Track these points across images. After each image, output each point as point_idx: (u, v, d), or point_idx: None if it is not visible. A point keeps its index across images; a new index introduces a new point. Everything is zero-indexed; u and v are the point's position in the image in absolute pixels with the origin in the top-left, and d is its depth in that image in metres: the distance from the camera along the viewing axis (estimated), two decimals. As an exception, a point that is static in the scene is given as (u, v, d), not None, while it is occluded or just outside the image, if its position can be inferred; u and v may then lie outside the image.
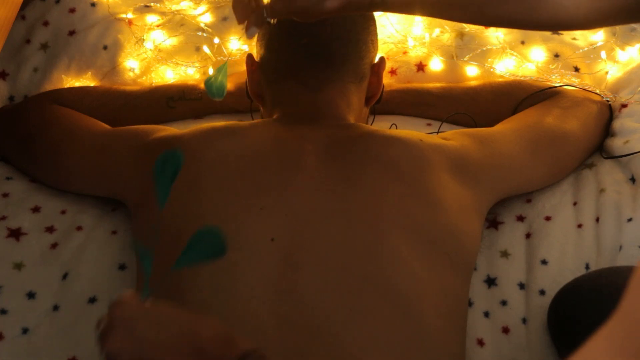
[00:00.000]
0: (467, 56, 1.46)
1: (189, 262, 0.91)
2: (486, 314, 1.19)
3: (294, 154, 1.12)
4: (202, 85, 1.45)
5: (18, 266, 1.21)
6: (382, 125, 1.38)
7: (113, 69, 1.45)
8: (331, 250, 1.02)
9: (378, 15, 1.40)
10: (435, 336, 0.99)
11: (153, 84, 1.46)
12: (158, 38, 1.48)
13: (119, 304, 0.80)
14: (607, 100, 1.40)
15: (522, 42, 1.46)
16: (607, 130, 1.38)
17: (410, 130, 1.26)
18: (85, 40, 1.46)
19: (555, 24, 0.99)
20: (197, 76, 1.48)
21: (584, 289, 1.10)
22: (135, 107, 1.41)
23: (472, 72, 1.46)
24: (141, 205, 1.15)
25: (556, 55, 1.45)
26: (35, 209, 1.28)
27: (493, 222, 1.28)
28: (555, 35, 1.46)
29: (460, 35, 1.47)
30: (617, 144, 1.33)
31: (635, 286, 0.54)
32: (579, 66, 1.44)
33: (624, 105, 1.37)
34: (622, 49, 1.44)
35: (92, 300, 1.18)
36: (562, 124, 1.31)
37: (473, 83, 1.45)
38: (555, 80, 1.42)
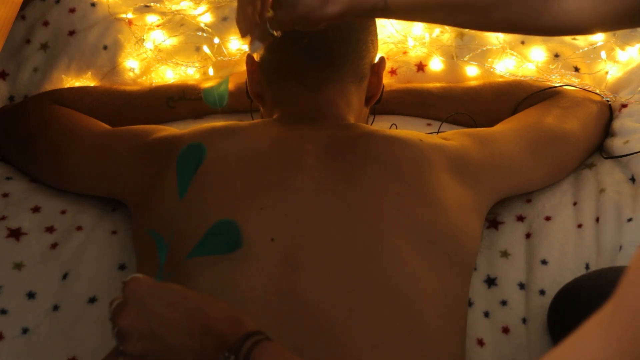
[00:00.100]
0: (467, 56, 1.46)
1: (205, 253, 0.92)
2: (486, 314, 1.19)
3: (294, 154, 1.12)
4: (202, 85, 1.45)
5: (18, 266, 1.21)
6: (382, 125, 1.38)
7: (113, 69, 1.46)
8: (331, 250, 1.02)
9: (378, 15, 1.40)
10: (435, 336, 0.99)
11: (153, 84, 1.46)
12: (158, 38, 1.48)
13: (133, 282, 0.83)
14: (607, 100, 1.40)
15: (522, 42, 1.46)
16: (607, 130, 1.38)
17: (410, 130, 1.26)
18: (85, 40, 1.46)
19: (559, 29, 0.99)
20: (197, 76, 1.48)
21: (584, 289, 1.10)
22: (135, 107, 1.42)
23: (472, 72, 1.47)
24: (141, 205, 1.15)
25: (556, 55, 1.45)
26: (35, 209, 1.28)
27: (493, 222, 1.28)
28: (555, 35, 1.47)
29: (460, 35, 1.47)
30: (617, 144, 1.33)
31: (631, 275, 0.54)
32: (579, 66, 1.44)
33: (624, 105, 1.37)
34: (622, 49, 1.44)
35: (92, 300, 1.18)
36: (562, 124, 1.31)
37: (473, 83, 1.45)
38: (555, 80, 1.42)
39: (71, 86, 1.44)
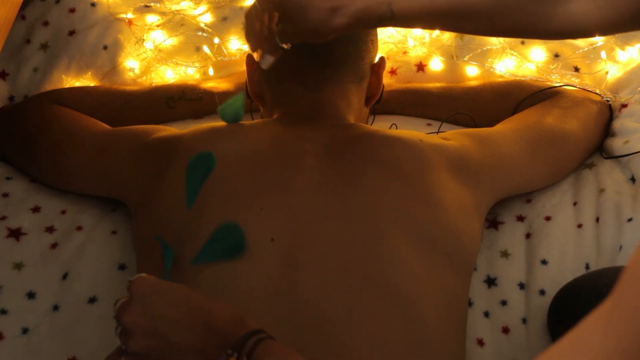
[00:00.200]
0: (467, 56, 1.46)
1: (210, 258, 0.94)
2: (486, 314, 1.19)
3: (294, 154, 1.12)
4: (202, 85, 1.45)
5: (18, 266, 1.21)
6: (382, 125, 1.38)
7: (113, 69, 1.46)
8: (331, 250, 1.02)
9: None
10: (435, 336, 0.99)
11: (153, 84, 1.46)
12: (158, 38, 1.48)
13: (138, 281, 0.84)
14: (607, 100, 1.40)
15: (522, 42, 1.47)
16: (607, 130, 1.38)
17: (410, 130, 1.26)
18: (85, 40, 1.46)
19: (565, 33, 1.00)
20: (197, 76, 1.49)
21: (584, 289, 1.10)
22: (135, 107, 1.42)
23: (472, 72, 1.47)
24: (141, 205, 1.15)
25: (556, 55, 1.45)
26: (35, 209, 1.28)
27: (493, 222, 1.28)
28: (555, 35, 1.46)
29: (461, 35, 1.47)
30: (617, 144, 1.33)
31: (630, 272, 0.54)
32: (579, 66, 1.44)
33: (624, 105, 1.37)
34: (622, 49, 1.44)
35: (92, 300, 1.18)
36: (562, 124, 1.31)
37: (473, 83, 1.45)
38: (555, 80, 1.42)
39: (71, 86, 1.44)
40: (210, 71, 1.48)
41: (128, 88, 1.44)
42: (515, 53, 1.45)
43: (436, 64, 1.48)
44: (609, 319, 0.54)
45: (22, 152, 1.35)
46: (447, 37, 1.48)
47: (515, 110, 1.37)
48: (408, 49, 1.49)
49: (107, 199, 1.29)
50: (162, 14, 1.51)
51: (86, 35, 1.46)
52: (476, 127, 1.38)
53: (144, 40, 1.47)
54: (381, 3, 0.99)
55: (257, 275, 0.99)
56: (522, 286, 1.21)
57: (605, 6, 0.93)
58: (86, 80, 1.45)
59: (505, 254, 1.24)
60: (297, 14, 1.03)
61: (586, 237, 1.23)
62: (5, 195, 1.30)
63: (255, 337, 0.81)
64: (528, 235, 1.26)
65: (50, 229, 1.26)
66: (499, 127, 1.30)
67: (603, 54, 1.44)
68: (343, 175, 1.09)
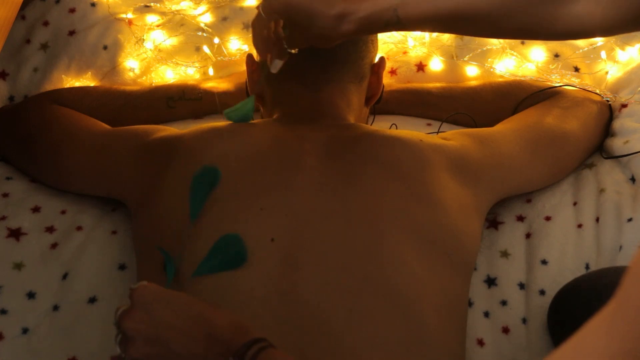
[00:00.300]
0: (467, 56, 1.46)
1: (211, 270, 0.95)
2: (486, 314, 1.19)
3: (294, 154, 1.12)
4: (202, 85, 1.45)
5: (18, 266, 1.21)
6: (382, 125, 1.38)
7: (113, 69, 1.46)
8: (331, 250, 1.02)
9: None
10: (435, 336, 0.99)
11: (153, 84, 1.46)
12: (158, 38, 1.48)
13: (140, 288, 0.84)
14: (607, 100, 1.40)
15: (522, 42, 1.47)
16: (607, 130, 1.38)
17: (410, 130, 1.26)
18: (85, 40, 1.46)
19: (570, 34, 1.00)
20: (197, 76, 1.48)
21: (583, 289, 1.10)
22: (135, 107, 1.42)
23: (472, 72, 1.47)
24: (141, 205, 1.15)
25: (556, 55, 1.45)
26: (35, 209, 1.28)
27: (493, 222, 1.28)
28: (555, 35, 1.46)
29: (460, 35, 1.47)
30: (617, 144, 1.33)
31: (633, 274, 0.54)
32: (579, 66, 1.44)
33: (624, 105, 1.37)
34: (622, 49, 1.44)
35: (92, 300, 1.18)
36: (562, 124, 1.31)
37: (473, 83, 1.45)
38: (555, 80, 1.42)
39: (71, 86, 1.44)
40: (210, 71, 1.48)
41: (128, 88, 1.44)
42: (515, 53, 1.45)
43: (436, 64, 1.48)
44: (613, 320, 0.54)
45: (22, 152, 1.35)
46: (447, 37, 1.48)
47: (515, 110, 1.37)
48: (408, 49, 1.49)
49: (107, 199, 1.29)
50: (162, 14, 1.51)
51: (86, 35, 1.46)
52: (476, 127, 1.38)
53: (144, 40, 1.47)
54: (387, 9, 1.00)
55: (257, 276, 0.99)
56: (522, 286, 1.21)
57: (610, 7, 0.93)
58: (86, 80, 1.45)
59: (505, 254, 1.24)
60: (304, 22, 1.04)
61: (586, 237, 1.23)
62: (5, 195, 1.30)
63: (257, 345, 0.81)
64: (528, 235, 1.26)
65: (50, 229, 1.26)
66: (499, 127, 1.30)
67: (603, 54, 1.44)
68: (343, 175, 1.09)
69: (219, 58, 1.47)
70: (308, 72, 1.20)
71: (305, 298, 0.97)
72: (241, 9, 1.51)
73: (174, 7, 1.52)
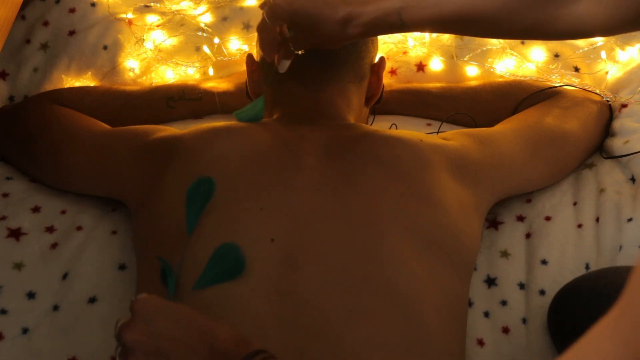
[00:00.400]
0: (467, 56, 1.46)
1: (210, 283, 0.95)
2: (486, 314, 1.19)
3: (294, 154, 1.12)
4: (202, 85, 1.45)
5: (18, 266, 1.21)
6: (382, 125, 1.38)
7: (113, 69, 1.46)
8: (331, 250, 1.02)
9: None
10: (435, 336, 0.99)
11: (153, 84, 1.46)
12: (158, 38, 1.48)
13: (141, 300, 0.84)
14: (607, 100, 1.40)
15: (522, 42, 1.47)
16: (607, 130, 1.38)
17: (410, 130, 1.26)
18: (85, 40, 1.46)
19: (572, 33, 1.00)
20: (197, 76, 1.49)
21: (583, 289, 1.10)
22: (135, 107, 1.42)
23: (472, 72, 1.47)
24: (141, 205, 1.15)
25: (556, 55, 1.45)
26: (35, 209, 1.28)
27: (493, 222, 1.28)
28: (555, 35, 1.46)
29: (459, 35, 1.47)
30: (617, 144, 1.33)
31: (637, 278, 0.54)
32: (579, 66, 1.44)
33: (624, 105, 1.37)
34: (622, 49, 1.44)
35: (92, 300, 1.18)
36: (562, 124, 1.31)
37: (473, 83, 1.45)
38: (555, 80, 1.42)
39: (71, 86, 1.44)
40: (210, 71, 1.48)
41: (128, 88, 1.44)
42: (515, 53, 1.45)
43: (436, 64, 1.48)
44: (617, 324, 0.54)
45: (22, 152, 1.35)
46: (447, 37, 1.48)
47: (515, 110, 1.37)
48: (408, 49, 1.49)
49: (107, 199, 1.29)
50: (162, 14, 1.51)
51: (86, 35, 1.46)
52: (476, 127, 1.38)
53: (144, 40, 1.47)
54: (391, 13, 1.01)
55: (257, 276, 0.99)
56: (522, 286, 1.21)
57: (610, 7, 0.93)
58: (86, 80, 1.45)
59: (505, 254, 1.24)
60: (309, 27, 1.05)
61: (586, 237, 1.23)
62: (5, 195, 1.30)
63: (259, 356, 0.81)
64: (528, 235, 1.26)
65: (50, 229, 1.26)
66: (499, 127, 1.30)
67: (603, 54, 1.44)
68: (343, 175, 1.09)
69: (219, 58, 1.47)
70: (308, 72, 1.20)
71: (305, 298, 0.97)
72: (241, 9, 1.51)
73: (174, 7, 1.52)
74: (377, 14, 1.01)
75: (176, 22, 1.50)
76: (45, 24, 1.47)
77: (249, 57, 1.27)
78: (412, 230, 1.06)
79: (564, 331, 1.10)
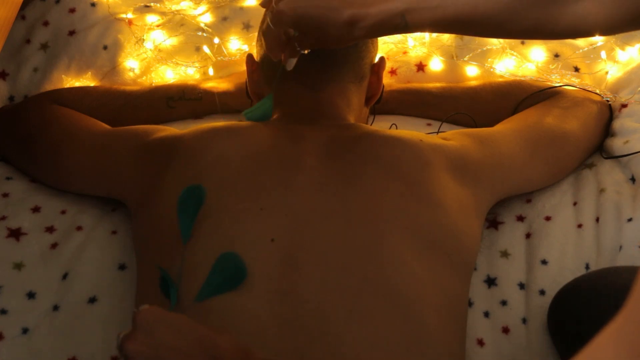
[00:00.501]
0: (467, 56, 1.46)
1: (212, 293, 0.95)
2: (486, 314, 1.19)
3: (294, 154, 1.12)
4: (202, 85, 1.45)
5: (18, 266, 1.21)
6: (382, 125, 1.38)
7: (113, 69, 1.46)
8: (331, 250, 1.02)
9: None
10: (435, 336, 0.99)
11: (153, 84, 1.46)
12: (158, 38, 1.48)
13: (143, 312, 0.84)
14: (607, 100, 1.40)
15: (522, 42, 1.47)
16: (607, 130, 1.38)
17: (410, 130, 1.26)
18: (85, 40, 1.46)
19: (575, 33, 1.01)
20: (197, 76, 1.48)
21: (583, 289, 1.10)
22: (135, 107, 1.42)
23: (472, 72, 1.47)
24: (141, 205, 1.15)
25: (556, 55, 1.45)
26: (35, 209, 1.28)
27: (493, 222, 1.28)
28: (555, 35, 1.46)
29: (460, 35, 1.47)
30: (617, 144, 1.33)
31: None
32: (579, 66, 1.44)
33: (624, 105, 1.37)
34: (622, 49, 1.44)
35: (92, 300, 1.18)
36: (562, 124, 1.31)
37: (473, 83, 1.45)
38: (555, 80, 1.42)
39: (71, 86, 1.44)
40: (210, 71, 1.48)
41: (128, 88, 1.44)
42: (515, 53, 1.45)
43: (436, 64, 1.48)
44: (621, 329, 0.54)
45: (22, 152, 1.35)
46: (447, 37, 1.48)
47: (515, 110, 1.37)
48: (408, 49, 1.49)
49: (107, 199, 1.29)
50: (162, 14, 1.51)
51: (86, 35, 1.46)
52: (476, 127, 1.38)
53: (144, 40, 1.47)
54: (395, 15, 1.01)
55: (257, 276, 0.99)
56: (522, 286, 1.21)
57: (611, 6, 0.94)
58: (86, 80, 1.45)
59: (505, 254, 1.24)
60: (314, 31, 1.05)
61: (586, 237, 1.23)
62: (5, 195, 1.30)
63: None
64: (528, 235, 1.26)
65: (50, 229, 1.26)
66: (499, 127, 1.30)
67: (603, 54, 1.44)
68: (343, 176, 1.09)
69: (219, 58, 1.47)
70: (308, 72, 1.20)
71: (305, 298, 0.97)
72: (241, 9, 1.51)
73: (174, 7, 1.52)
74: (381, 16, 1.02)
75: (176, 22, 1.50)
76: (45, 24, 1.47)
77: (249, 57, 1.27)
78: (412, 230, 1.06)
79: (564, 331, 1.10)
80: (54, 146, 1.30)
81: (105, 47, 1.46)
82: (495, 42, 1.46)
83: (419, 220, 1.07)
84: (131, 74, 1.46)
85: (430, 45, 1.48)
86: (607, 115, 1.38)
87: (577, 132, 1.31)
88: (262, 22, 1.26)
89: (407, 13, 1.01)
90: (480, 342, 1.16)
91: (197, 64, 1.48)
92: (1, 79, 1.44)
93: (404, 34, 1.48)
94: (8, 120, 1.37)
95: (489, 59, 1.45)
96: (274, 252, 1.01)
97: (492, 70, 1.45)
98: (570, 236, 1.24)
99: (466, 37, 1.46)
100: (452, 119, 1.42)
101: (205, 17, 1.51)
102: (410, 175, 1.11)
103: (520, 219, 1.28)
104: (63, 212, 1.28)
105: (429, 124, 1.44)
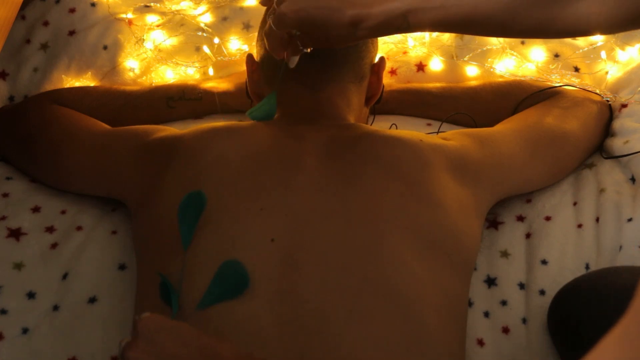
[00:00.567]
0: (467, 56, 1.46)
1: (215, 301, 0.95)
2: (486, 314, 1.19)
3: (294, 154, 1.12)
4: (202, 85, 1.45)
5: (18, 266, 1.21)
6: (382, 125, 1.38)
7: (113, 69, 1.46)
8: (331, 250, 1.02)
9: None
10: (435, 336, 0.99)
11: (153, 84, 1.46)
12: (158, 38, 1.48)
13: (145, 319, 0.84)
14: (607, 100, 1.40)
15: (522, 42, 1.46)
16: (607, 130, 1.38)
17: (410, 130, 1.26)
18: (85, 40, 1.46)
19: (576, 32, 1.01)
20: (197, 76, 1.48)
21: (583, 289, 1.10)
22: (135, 107, 1.42)
23: (472, 72, 1.47)
24: (141, 205, 1.15)
25: (556, 55, 1.45)
26: (35, 209, 1.28)
27: (493, 222, 1.28)
28: (555, 35, 1.46)
29: (461, 35, 1.47)
30: (617, 144, 1.33)
31: None
32: (579, 66, 1.44)
33: (624, 105, 1.37)
34: (622, 49, 1.44)
35: (92, 300, 1.18)
36: (562, 124, 1.31)
37: (473, 83, 1.45)
38: (555, 80, 1.42)
39: (71, 86, 1.44)
40: (210, 71, 1.48)
41: (128, 88, 1.44)
42: (515, 53, 1.45)
43: (436, 64, 1.48)
44: (626, 332, 0.54)
45: (22, 152, 1.35)
46: (447, 37, 1.48)
47: (515, 110, 1.37)
48: (408, 49, 1.49)
49: (107, 199, 1.29)
50: (162, 14, 1.51)
51: (86, 35, 1.46)
52: (476, 127, 1.38)
53: (144, 40, 1.47)
54: (398, 16, 1.01)
55: (257, 276, 0.99)
56: (522, 286, 1.21)
57: (612, 6, 0.94)
58: (86, 80, 1.45)
59: (505, 254, 1.24)
60: (317, 33, 1.05)
61: (586, 237, 1.23)
62: (5, 195, 1.30)
63: None
64: (528, 235, 1.26)
65: (50, 229, 1.26)
66: (499, 127, 1.30)
67: (603, 54, 1.44)
68: (343, 176, 1.09)
69: (219, 58, 1.47)
70: (308, 72, 1.20)
71: (305, 298, 0.97)
72: (241, 9, 1.51)
73: (174, 7, 1.52)
74: (383, 17, 1.02)
75: (176, 22, 1.50)
76: (45, 24, 1.47)
77: (249, 57, 1.27)
78: (412, 230, 1.06)
79: (564, 331, 1.10)
80: (54, 146, 1.30)
81: (105, 47, 1.46)
82: (495, 42, 1.46)
83: (419, 220, 1.07)
84: (131, 74, 1.46)
85: (430, 45, 1.48)
86: (607, 115, 1.38)
87: (577, 132, 1.32)
88: (263, 21, 1.26)
89: (409, 13, 1.01)
90: (480, 342, 1.16)
91: (197, 64, 1.48)
92: (1, 79, 1.44)
93: (404, 35, 1.48)
94: (8, 120, 1.37)
95: (489, 59, 1.45)
96: (274, 252, 1.01)
97: (492, 70, 1.45)
98: (570, 236, 1.24)
99: (466, 37, 1.46)
100: (452, 119, 1.42)
101: (205, 17, 1.51)
102: (410, 175, 1.11)
103: (520, 219, 1.28)
104: (63, 212, 1.28)
105: (429, 124, 1.44)
